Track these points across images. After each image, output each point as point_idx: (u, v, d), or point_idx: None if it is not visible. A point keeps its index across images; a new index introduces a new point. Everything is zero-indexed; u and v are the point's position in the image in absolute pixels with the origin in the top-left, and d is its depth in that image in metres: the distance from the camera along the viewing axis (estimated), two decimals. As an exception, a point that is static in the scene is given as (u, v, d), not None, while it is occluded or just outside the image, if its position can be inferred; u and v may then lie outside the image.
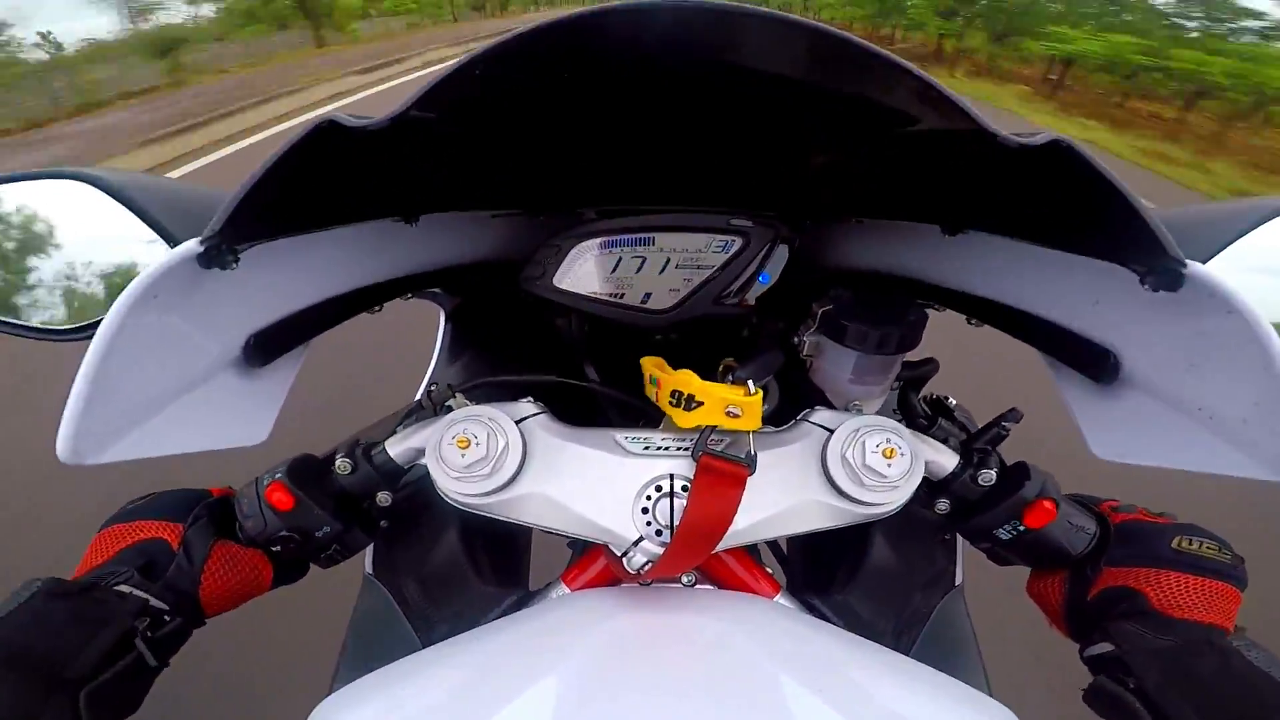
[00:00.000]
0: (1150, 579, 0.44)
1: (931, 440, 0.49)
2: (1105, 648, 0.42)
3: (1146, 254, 0.36)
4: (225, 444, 0.44)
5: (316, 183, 0.40)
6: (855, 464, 0.43)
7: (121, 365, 0.36)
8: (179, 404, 0.41)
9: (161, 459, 0.40)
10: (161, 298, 0.36)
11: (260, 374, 0.47)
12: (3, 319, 0.50)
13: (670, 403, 0.45)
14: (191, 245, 0.36)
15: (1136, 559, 0.45)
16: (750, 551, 0.53)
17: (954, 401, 0.56)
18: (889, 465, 0.43)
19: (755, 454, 0.43)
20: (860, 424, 0.44)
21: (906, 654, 0.54)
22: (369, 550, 0.61)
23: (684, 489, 0.44)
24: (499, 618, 0.52)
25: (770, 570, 0.52)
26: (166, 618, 0.42)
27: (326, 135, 0.33)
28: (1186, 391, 0.40)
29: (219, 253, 0.36)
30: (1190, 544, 0.44)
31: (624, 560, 0.44)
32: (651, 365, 0.50)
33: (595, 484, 0.44)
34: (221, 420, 0.44)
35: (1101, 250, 0.40)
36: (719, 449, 0.43)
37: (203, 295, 0.39)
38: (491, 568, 0.63)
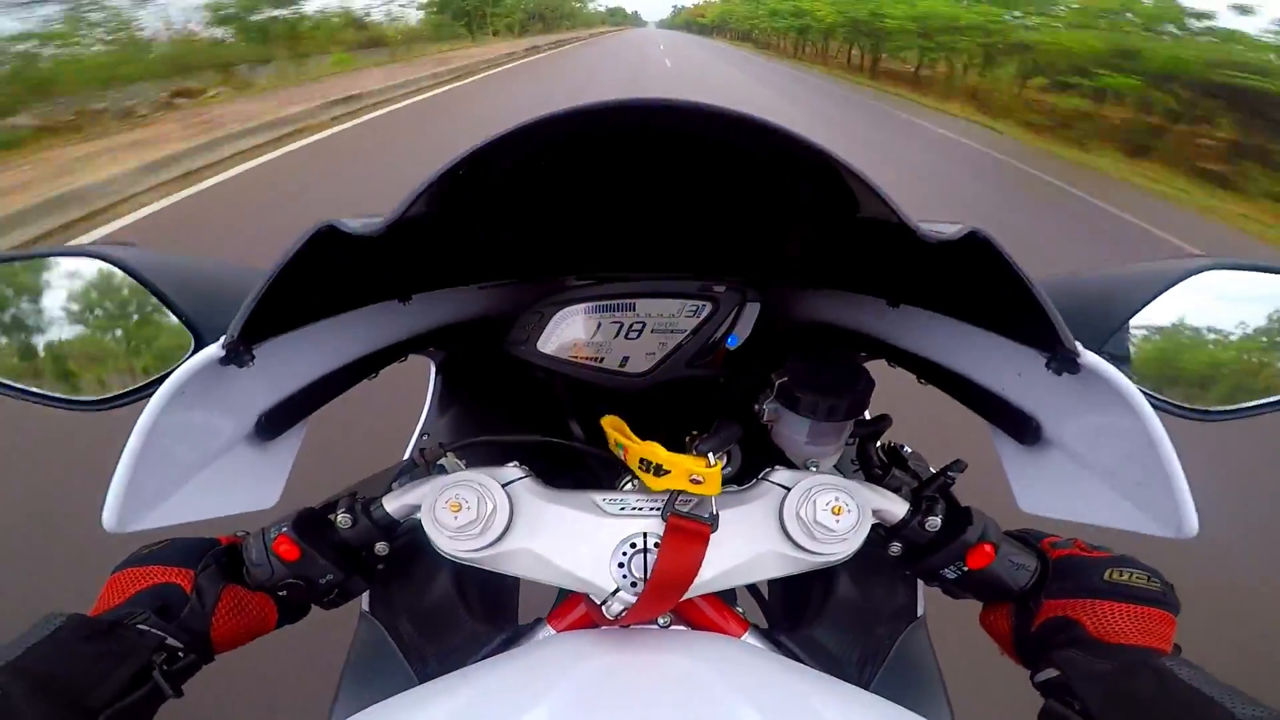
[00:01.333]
0: (1086, 609, 0.48)
1: (883, 490, 0.54)
2: (1052, 673, 0.46)
3: (1049, 340, 0.41)
4: (240, 509, 0.48)
5: (318, 280, 0.45)
6: (808, 520, 0.48)
7: (155, 448, 0.40)
8: (199, 477, 0.46)
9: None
10: (188, 393, 0.41)
11: (269, 446, 0.51)
12: (32, 389, 0.55)
13: (640, 468, 0.50)
14: (215, 350, 0.41)
15: (1072, 591, 0.49)
16: (724, 595, 0.57)
17: (909, 450, 0.61)
18: (837, 521, 0.48)
19: (718, 514, 0.47)
20: (813, 484, 0.49)
21: (869, 685, 0.58)
22: (367, 590, 0.64)
23: (655, 545, 0.48)
24: (489, 654, 0.56)
25: (744, 610, 0.56)
26: (180, 654, 0.45)
27: (325, 238, 0.37)
28: (1095, 456, 0.45)
29: (238, 353, 0.41)
30: (1121, 575, 0.48)
31: (603, 608, 0.48)
32: (612, 428, 0.54)
33: (576, 541, 0.49)
34: (237, 489, 0.48)
35: (1014, 332, 0.45)
36: (686, 509, 0.48)
37: (221, 386, 0.44)
38: (483, 605, 0.66)
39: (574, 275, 0.63)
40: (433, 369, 0.81)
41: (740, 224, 0.57)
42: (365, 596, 0.64)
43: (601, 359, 0.58)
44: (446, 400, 0.80)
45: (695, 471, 0.46)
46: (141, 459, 0.39)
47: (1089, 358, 0.40)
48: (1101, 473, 0.45)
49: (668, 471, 0.47)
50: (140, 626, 0.44)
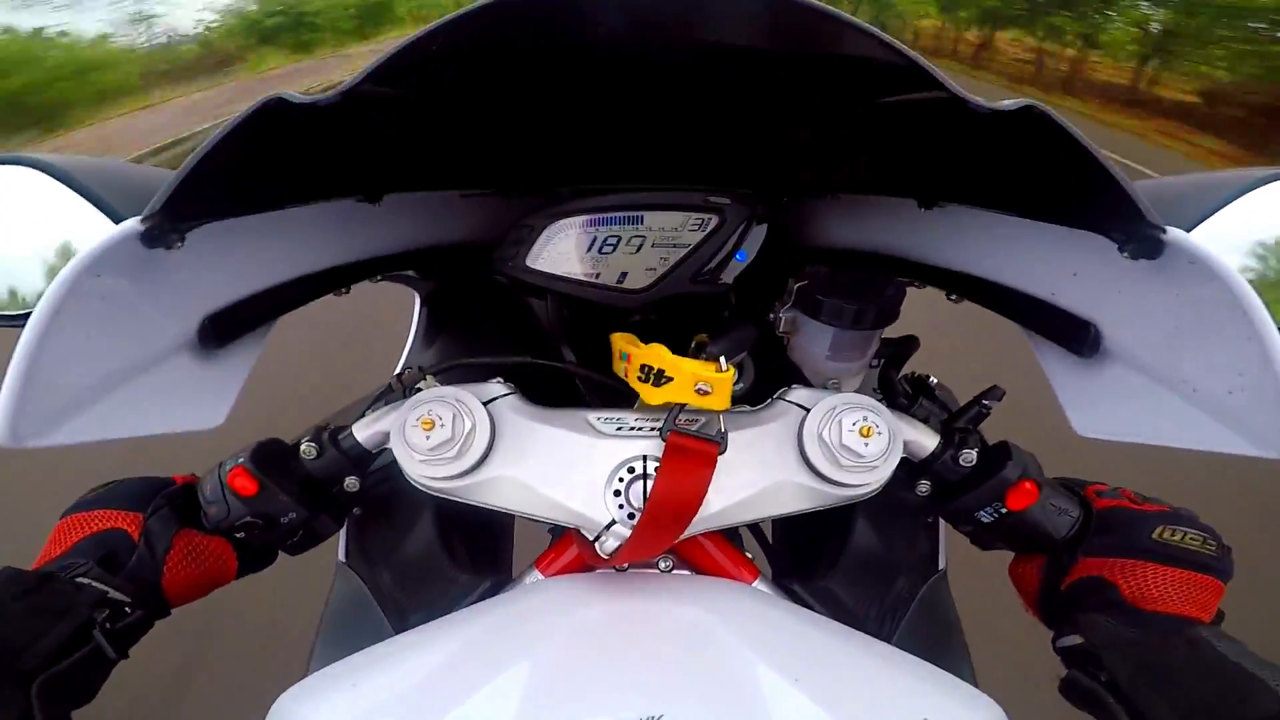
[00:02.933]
0: (1125, 570, 0.43)
1: (912, 419, 0.48)
2: (1075, 640, 0.42)
3: (1124, 221, 0.35)
4: (178, 428, 0.43)
5: (267, 162, 0.39)
6: (832, 443, 0.42)
7: (65, 346, 0.35)
8: (130, 387, 0.40)
9: (138, 450, 0.39)
10: (106, 277, 0.35)
11: (218, 357, 0.46)
12: None
13: (639, 378, 0.44)
14: (132, 224, 0.35)
15: (1113, 549, 0.44)
16: (731, 538, 0.52)
17: (935, 380, 0.55)
18: (866, 445, 0.42)
19: (726, 432, 0.42)
20: (837, 402, 0.43)
21: (889, 641, 0.53)
22: (342, 537, 0.60)
23: (657, 470, 0.43)
24: (472, 605, 0.51)
25: (751, 557, 0.51)
26: (127, 609, 0.41)
27: (274, 114, 0.32)
28: (1169, 364, 0.39)
29: (161, 232, 0.35)
30: (1173, 534, 0.43)
31: (596, 545, 0.43)
32: (622, 341, 0.49)
33: (566, 466, 0.43)
34: (175, 404, 0.43)
35: (1078, 219, 0.39)
36: (692, 429, 0.42)
37: (151, 275, 0.38)
38: (470, 555, 0.63)
39: (566, 188, 0.57)
40: (418, 301, 0.76)
41: (748, 127, 0.51)
42: (342, 546, 0.60)
43: (598, 275, 0.53)
44: (432, 333, 0.75)
45: (702, 378, 0.40)
46: (45, 353, 0.33)
47: (1177, 235, 0.34)
48: (1176, 383, 0.39)
49: (670, 379, 0.41)
50: (79, 579, 0.40)
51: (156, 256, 0.37)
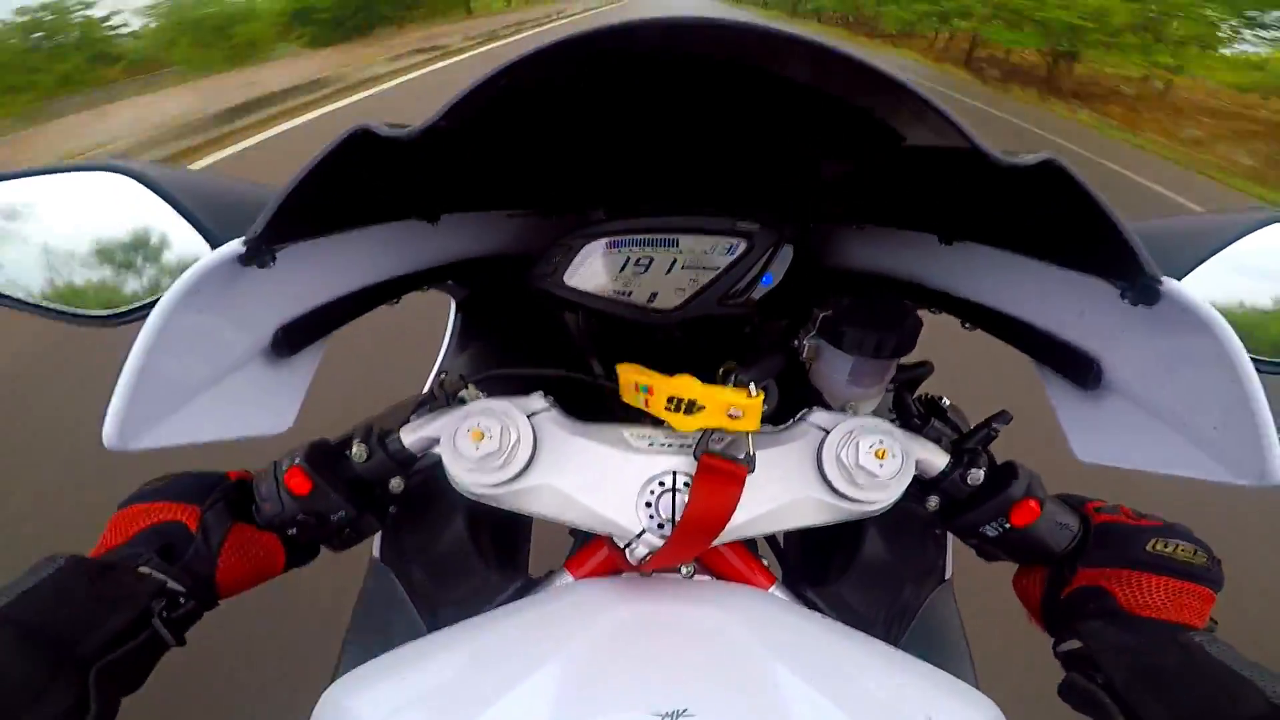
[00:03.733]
0: (1121, 579, 0.45)
1: (924, 440, 0.51)
2: (1075, 644, 0.44)
3: (1127, 270, 0.38)
4: (252, 432, 0.45)
5: (348, 186, 0.42)
6: (849, 464, 0.45)
7: (167, 356, 0.37)
8: (211, 393, 0.43)
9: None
10: (203, 294, 0.38)
11: (285, 364, 0.49)
12: (44, 304, 0.52)
13: (668, 408, 0.46)
14: (235, 246, 0.38)
15: (1111, 560, 0.47)
16: (747, 544, 0.55)
17: (948, 402, 0.58)
18: (880, 466, 0.45)
19: (754, 454, 0.45)
20: (855, 425, 0.46)
21: (896, 645, 0.56)
22: (377, 535, 0.62)
23: (685, 485, 0.46)
24: (503, 603, 0.54)
25: (766, 562, 0.54)
26: (182, 600, 0.43)
27: (359, 142, 0.34)
28: (1163, 399, 0.42)
29: (258, 252, 0.38)
30: (1165, 546, 0.46)
31: (626, 551, 0.46)
32: (634, 372, 0.50)
33: (601, 478, 0.46)
34: (249, 409, 0.46)
35: (1086, 264, 0.42)
36: (719, 448, 0.45)
37: (239, 290, 0.41)
38: (495, 554, 0.65)
39: (603, 210, 0.60)
40: (453, 306, 0.78)
41: (778, 157, 0.53)
42: (376, 543, 0.63)
43: (629, 293, 0.56)
44: (466, 338, 0.78)
45: (734, 404, 0.43)
46: (150, 366, 0.36)
47: (1172, 285, 0.37)
48: (1169, 416, 0.42)
49: (701, 408, 0.44)
50: (141, 569, 0.41)
51: (246, 273, 0.39)
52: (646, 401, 0.48)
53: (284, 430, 0.48)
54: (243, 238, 0.38)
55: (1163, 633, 0.42)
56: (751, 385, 0.44)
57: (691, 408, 0.45)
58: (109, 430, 0.36)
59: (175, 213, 0.48)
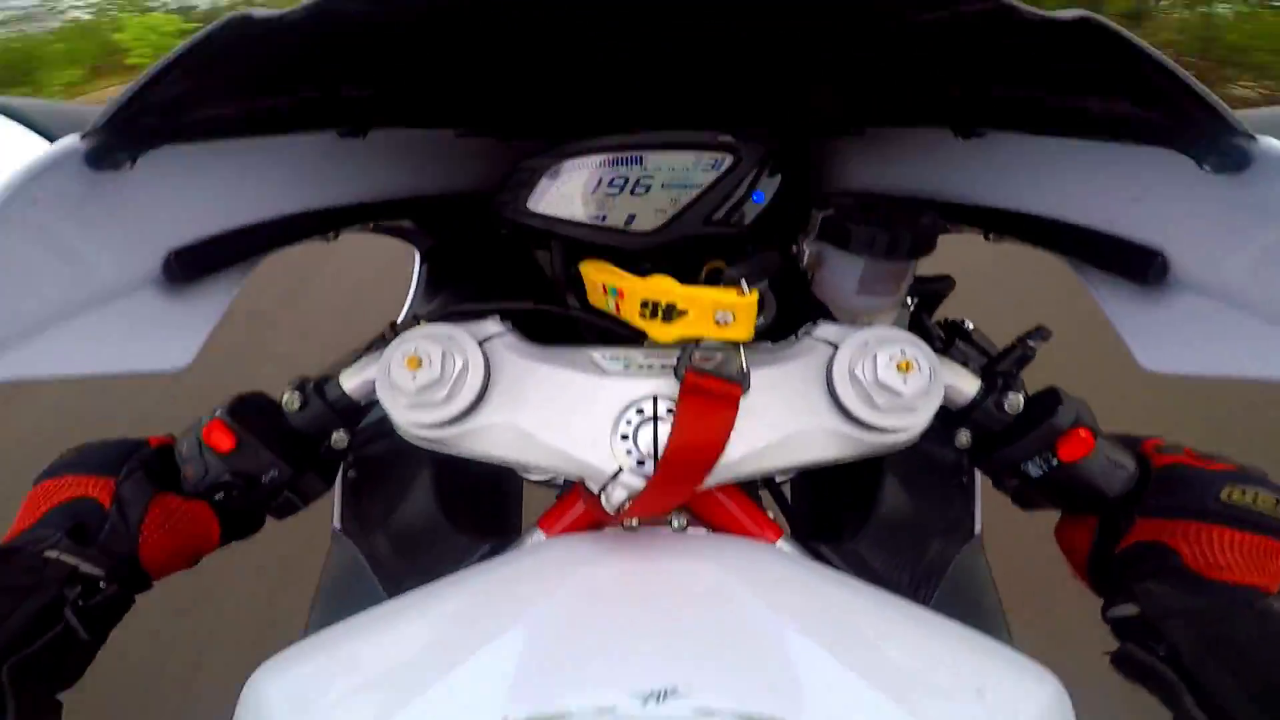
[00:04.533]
0: (1188, 534, 0.39)
1: (950, 362, 0.44)
2: (1130, 610, 0.38)
3: (1203, 133, 0.32)
4: (138, 367, 0.40)
5: (233, 84, 0.36)
6: (866, 381, 0.38)
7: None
8: (83, 321, 0.37)
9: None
10: (46, 202, 0.33)
11: (187, 296, 0.43)
12: None
13: (642, 315, 0.40)
14: (71, 141, 0.32)
15: (1176, 510, 0.40)
16: (750, 494, 0.48)
17: (971, 324, 0.51)
18: (904, 382, 0.37)
19: (749, 370, 0.38)
20: (870, 336, 0.39)
21: None
22: (336, 503, 0.57)
23: (669, 412, 0.39)
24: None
25: (772, 514, 0.47)
26: (101, 584, 0.39)
27: (239, 30, 0.29)
28: (1252, 289, 0.35)
29: (108, 150, 0.33)
30: (1243, 494, 0.39)
31: (602, 496, 0.39)
32: (601, 272, 0.44)
33: (568, 410, 0.40)
34: (136, 342, 0.40)
35: (1146, 135, 0.35)
36: (709, 367, 0.38)
37: (105, 203, 0.36)
38: (475, 518, 0.60)
39: (569, 131, 0.53)
40: (417, 257, 0.72)
41: (763, 58, 0.47)
42: (336, 512, 0.58)
43: (604, 217, 0.49)
44: (433, 289, 0.72)
45: (722, 304, 0.36)
46: None
47: (1270, 144, 0.30)
48: (1261, 308, 0.35)
49: (683, 312, 0.37)
50: (47, 553, 0.38)
51: (111, 183, 0.34)
52: (617, 307, 0.42)
53: (179, 367, 0.42)
54: (81, 132, 0.32)
55: (1236, 597, 0.37)
56: (743, 282, 0.37)
57: (671, 313, 0.37)
58: None
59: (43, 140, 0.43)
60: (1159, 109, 0.33)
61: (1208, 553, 0.38)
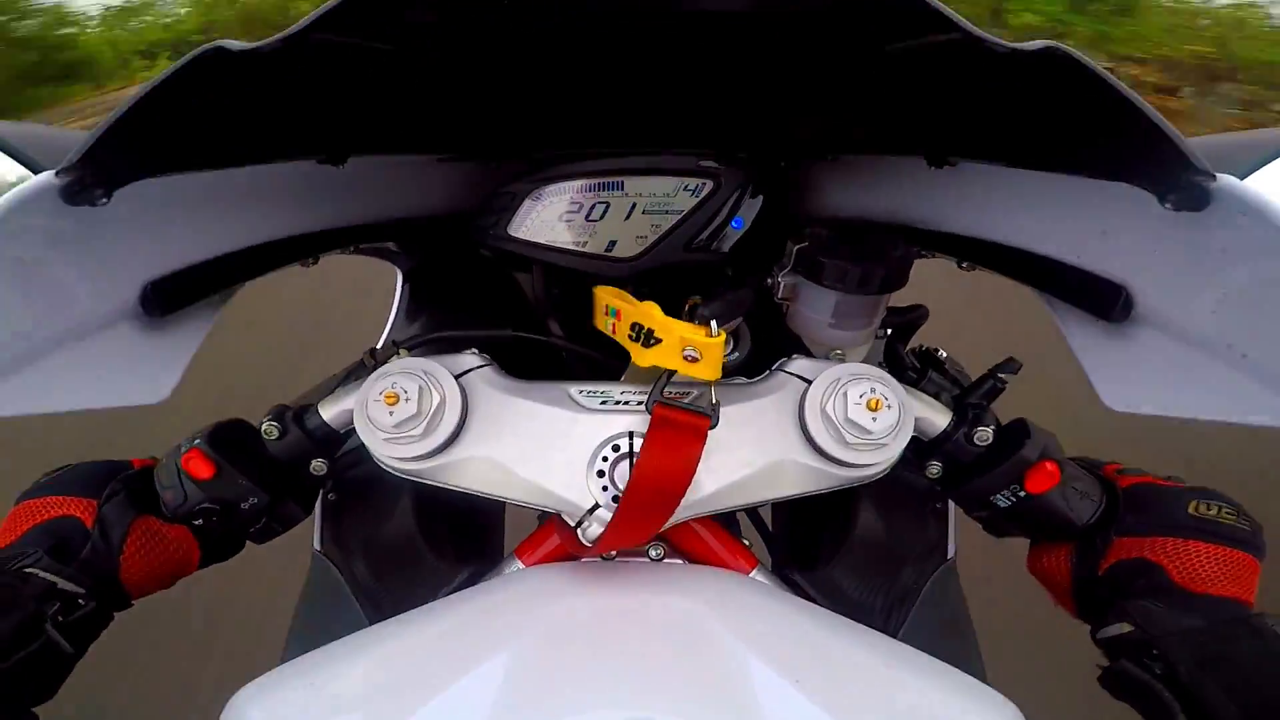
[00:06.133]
0: (1169, 549, 0.40)
1: (922, 395, 0.44)
2: (1124, 628, 0.38)
3: (1165, 170, 0.32)
4: (117, 402, 0.40)
5: (209, 116, 0.36)
6: (836, 418, 0.38)
7: None
8: (60, 357, 0.37)
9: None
10: (21, 238, 0.33)
11: (165, 328, 0.43)
12: None
13: (630, 336, 0.40)
14: (47, 178, 0.32)
15: (1153, 526, 0.41)
16: (728, 525, 0.49)
17: (944, 354, 0.52)
18: (874, 419, 0.38)
19: (718, 404, 0.38)
20: (842, 373, 0.40)
21: (896, 634, 0.51)
22: (317, 524, 0.57)
23: (642, 445, 0.39)
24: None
25: (750, 545, 0.48)
26: (80, 601, 0.39)
27: (213, 64, 0.29)
28: (1214, 328, 0.36)
29: (83, 187, 0.32)
30: (1209, 508, 0.40)
31: (578, 531, 0.39)
32: (610, 295, 0.45)
33: (545, 445, 0.40)
34: (115, 376, 0.40)
35: (1110, 169, 0.35)
36: (682, 402, 0.38)
37: (83, 238, 0.36)
38: (455, 544, 0.60)
39: (549, 154, 0.53)
40: (399, 277, 0.72)
41: (741, 83, 0.47)
42: (317, 533, 0.57)
43: (584, 243, 0.49)
44: (415, 311, 0.71)
45: (690, 341, 0.36)
46: None
47: (1229, 182, 0.30)
48: (1221, 349, 0.35)
49: (659, 340, 0.38)
50: (28, 570, 0.38)
51: (87, 217, 0.34)
52: (614, 327, 0.43)
53: (158, 401, 0.42)
54: (56, 169, 0.32)
55: (1227, 611, 0.37)
56: (713, 323, 0.37)
57: (650, 338, 0.38)
58: None
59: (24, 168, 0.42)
60: (1122, 142, 0.33)
61: (1190, 566, 0.39)
